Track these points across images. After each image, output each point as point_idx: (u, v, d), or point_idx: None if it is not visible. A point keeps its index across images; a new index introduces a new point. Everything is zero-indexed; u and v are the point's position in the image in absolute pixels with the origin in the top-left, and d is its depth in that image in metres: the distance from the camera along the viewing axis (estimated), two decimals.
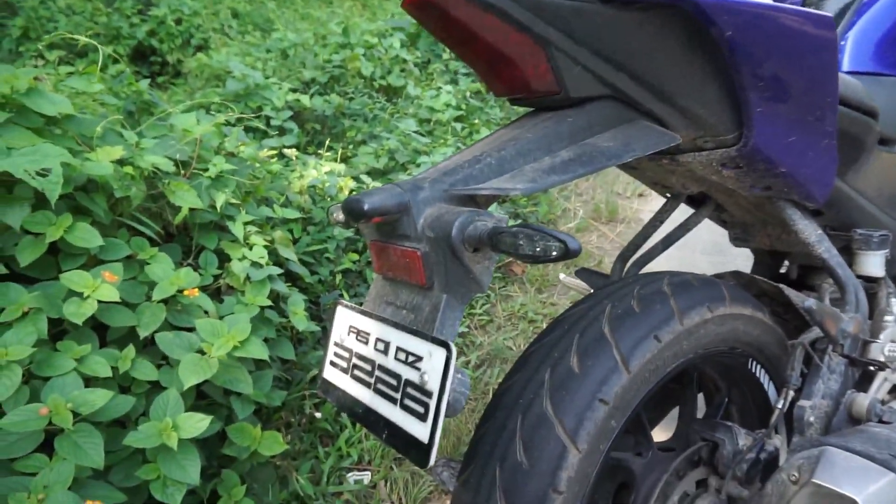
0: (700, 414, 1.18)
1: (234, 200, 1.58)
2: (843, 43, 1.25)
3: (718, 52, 0.75)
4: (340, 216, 0.80)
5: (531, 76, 0.75)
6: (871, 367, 0.96)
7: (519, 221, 2.96)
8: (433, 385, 0.62)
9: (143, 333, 1.27)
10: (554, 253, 0.54)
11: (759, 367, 1.09)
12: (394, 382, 0.68)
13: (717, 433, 1.01)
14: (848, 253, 1.10)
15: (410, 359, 0.66)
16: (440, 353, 0.61)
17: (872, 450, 0.80)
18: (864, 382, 1.09)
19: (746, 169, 0.91)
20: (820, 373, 1.03)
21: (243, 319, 1.37)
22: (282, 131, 3.20)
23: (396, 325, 0.70)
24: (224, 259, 1.64)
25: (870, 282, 1.07)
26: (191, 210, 1.55)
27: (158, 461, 1.12)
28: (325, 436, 1.74)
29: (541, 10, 0.70)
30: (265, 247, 1.65)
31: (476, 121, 3.51)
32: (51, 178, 1.13)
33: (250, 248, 1.63)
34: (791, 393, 1.01)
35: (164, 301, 1.33)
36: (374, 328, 0.74)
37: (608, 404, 0.82)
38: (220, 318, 1.47)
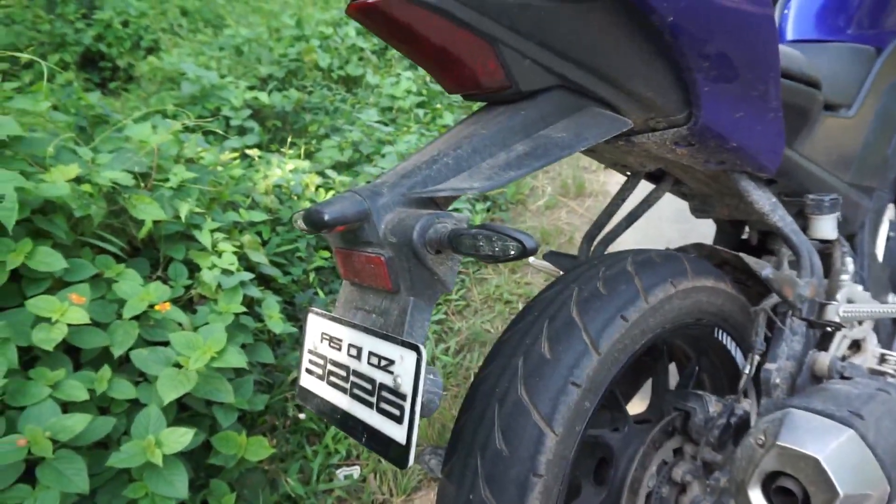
0: (674, 384, 1.22)
1: (198, 209, 1.57)
2: (786, 12, 1.27)
3: (662, 36, 0.76)
4: (304, 224, 0.80)
5: (481, 73, 0.76)
6: (828, 328, 1.00)
7: (485, 211, 2.98)
8: (406, 388, 0.63)
9: (117, 352, 1.26)
10: (512, 252, 0.56)
11: (725, 334, 1.13)
12: (369, 387, 0.69)
13: (688, 402, 1.04)
14: (802, 217, 1.14)
15: (383, 363, 0.67)
16: (411, 356, 0.63)
17: (832, 408, 0.84)
18: (824, 342, 1.14)
19: (699, 146, 0.94)
20: (783, 336, 1.07)
21: (218, 329, 1.36)
22: (243, 131, 3.15)
23: (367, 331, 0.71)
24: (194, 269, 1.63)
25: (824, 244, 1.11)
26: (155, 222, 1.53)
27: (145, 479, 1.12)
28: (311, 435, 1.75)
29: (486, 9, 0.70)
30: (234, 252, 1.64)
31: (438, 105, 3.50)
32: (5, 204, 1.11)
33: (219, 256, 1.62)
34: (757, 357, 1.05)
35: (136, 318, 1.32)
36: (346, 334, 0.75)
37: (580, 387, 0.85)
38: (195, 329, 1.46)
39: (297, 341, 1.98)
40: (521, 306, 2.48)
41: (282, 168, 2.42)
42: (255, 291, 1.63)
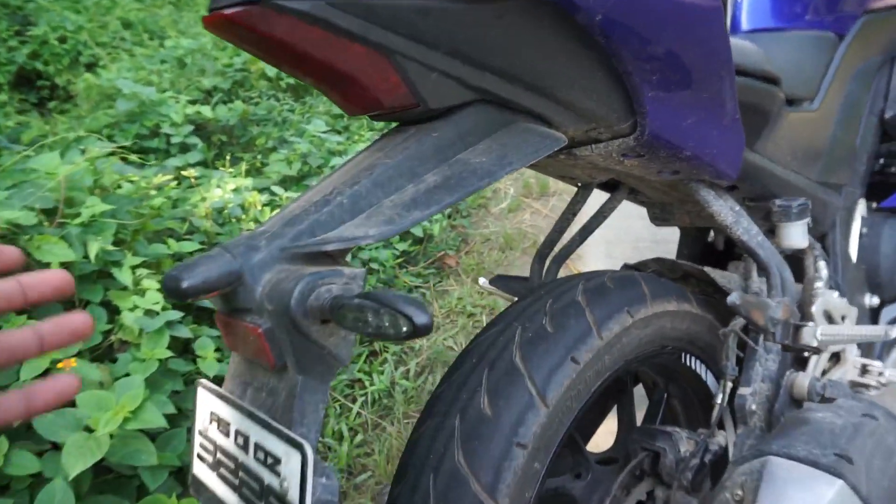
0: (642, 411, 1.11)
1: (111, 247, 1.41)
2: (739, 1, 1.17)
3: (592, 38, 0.64)
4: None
5: (381, 91, 0.63)
6: (805, 354, 0.90)
7: (447, 218, 2.85)
8: (293, 496, 0.50)
9: (16, 421, 1.10)
10: (403, 329, 0.43)
11: (693, 359, 1.02)
12: (257, 488, 0.56)
13: (657, 442, 0.93)
14: (768, 221, 1.03)
15: (269, 460, 0.54)
16: (296, 457, 0.50)
17: (816, 451, 0.73)
18: (801, 359, 1.03)
19: (648, 157, 0.82)
20: (756, 356, 0.96)
21: (136, 383, 1.21)
22: (185, 148, 2.98)
23: (252, 416, 0.58)
24: (114, 311, 1.47)
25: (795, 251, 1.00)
26: (66, 264, 1.37)
27: None
28: None
29: (374, 17, 0.57)
30: (160, 290, 1.49)
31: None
32: None
33: (143, 295, 1.46)
34: (729, 384, 0.94)
35: (37, 376, 1.17)
36: (234, 418, 0.61)
37: (527, 448, 0.73)
38: (115, 379, 1.31)
39: None
40: (485, 320, 2.36)
41: (223, 188, 2.26)
42: (185, 332, 1.48)
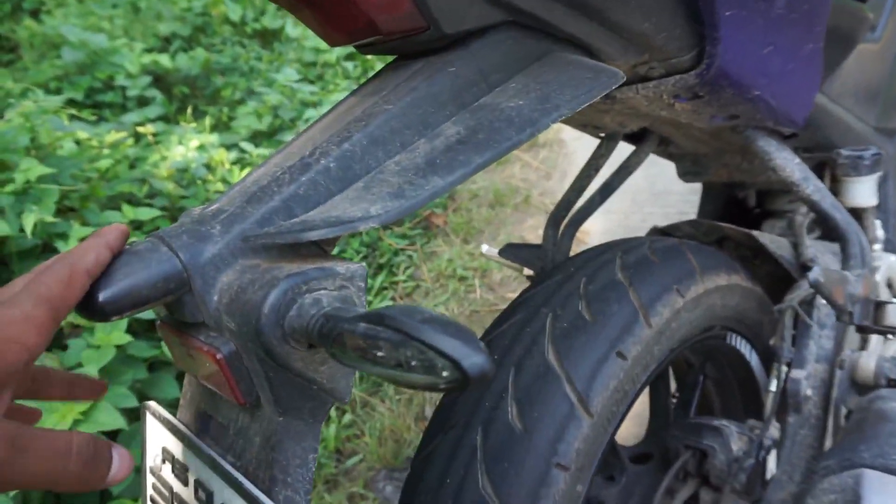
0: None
1: (51, 218, 1.21)
2: None
3: None
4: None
5: (381, 8, 0.45)
6: (891, 336, 0.76)
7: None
8: None
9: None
10: (444, 375, 0.27)
11: (738, 338, 0.88)
12: None
13: (704, 439, 0.80)
14: (819, 176, 0.88)
15: None
16: None
17: None
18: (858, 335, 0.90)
19: (708, 98, 0.66)
20: (810, 333, 0.82)
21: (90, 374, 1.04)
22: (144, 102, 2.72)
23: (215, 467, 0.42)
24: None
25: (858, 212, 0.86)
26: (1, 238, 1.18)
27: None
28: None
29: None
30: None
31: (369, 56, 3.11)
32: None
33: None
34: (784, 368, 0.81)
35: None
36: (192, 463, 0.46)
37: (568, 469, 0.58)
38: (67, 370, 1.14)
39: None
40: (478, 283, 2.21)
41: (185, 145, 2.04)
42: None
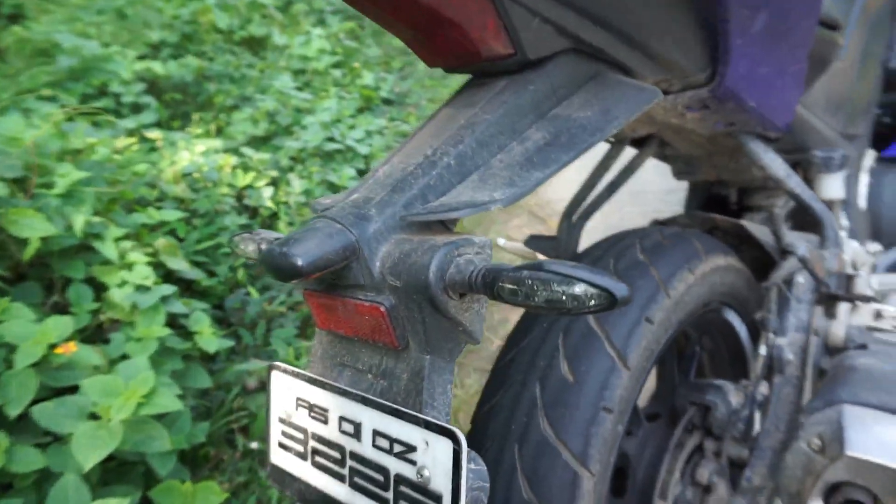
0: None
1: (95, 217, 1.29)
2: None
3: None
4: (248, 246, 0.60)
5: (477, 38, 0.57)
6: (861, 302, 0.91)
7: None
8: (441, 485, 0.46)
9: (12, 412, 1.01)
10: (592, 303, 0.39)
11: (730, 311, 1.03)
12: (379, 478, 0.52)
13: (706, 396, 0.94)
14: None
15: (398, 448, 0.50)
16: (444, 445, 0.46)
17: (886, 398, 0.75)
18: (828, 308, 1.06)
19: (714, 109, 0.79)
20: (790, 307, 0.97)
21: (142, 365, 1.13)
22: (137, 108, 2.76)
23: (366, 401, 0.53)
24: (100, 287, 1.36)
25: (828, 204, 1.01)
26: (44, 239, 1.25)
27: None
28: (263, 458, 1.55)
29: None
30: (148, 262, 1.39)
31: (356, 64, 3.22)
32: None
33: (130, 269, 1.35)
34: (771, 335, 0.96)
35: (35, 363, 1.07)
36: (333, 403, 0.56)
37: (613, 412, 0.71)
38: (111, 363, 1.22)
39: (234, 349, 1.75)
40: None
41: (190, 150, 2.11)
42: (179, 307, 1.38)
